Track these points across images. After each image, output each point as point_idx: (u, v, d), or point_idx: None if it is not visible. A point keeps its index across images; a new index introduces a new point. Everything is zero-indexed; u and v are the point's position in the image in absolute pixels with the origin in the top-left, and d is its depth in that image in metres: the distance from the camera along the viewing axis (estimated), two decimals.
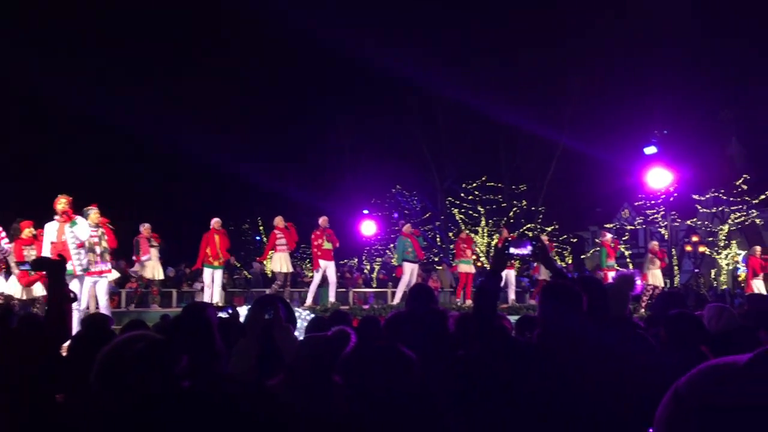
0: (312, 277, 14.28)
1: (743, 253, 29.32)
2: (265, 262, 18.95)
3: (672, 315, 3.76)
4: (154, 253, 12.73)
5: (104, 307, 9.30)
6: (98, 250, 9.20)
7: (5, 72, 24.07)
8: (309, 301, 12.73)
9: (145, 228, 12.64)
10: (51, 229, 8.65)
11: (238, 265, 24.12)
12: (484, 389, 2.86)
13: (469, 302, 13.83)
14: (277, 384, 2.90)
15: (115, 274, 9.77)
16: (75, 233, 8.62)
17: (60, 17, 29.64)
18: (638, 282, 4.08)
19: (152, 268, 12.64)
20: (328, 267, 12.77)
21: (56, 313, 3.26)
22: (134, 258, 12.89)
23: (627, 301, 3.97)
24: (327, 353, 2.87)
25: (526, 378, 2.79)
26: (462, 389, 2.95)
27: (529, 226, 30.18)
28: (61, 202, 8.64)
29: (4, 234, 8.97)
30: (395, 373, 2.63)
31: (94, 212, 9.38)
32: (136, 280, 13.07)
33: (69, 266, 7.75)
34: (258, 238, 34.44)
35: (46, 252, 8.42)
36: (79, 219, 8.74)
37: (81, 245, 8.67)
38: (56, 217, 8.66)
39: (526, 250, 3.32)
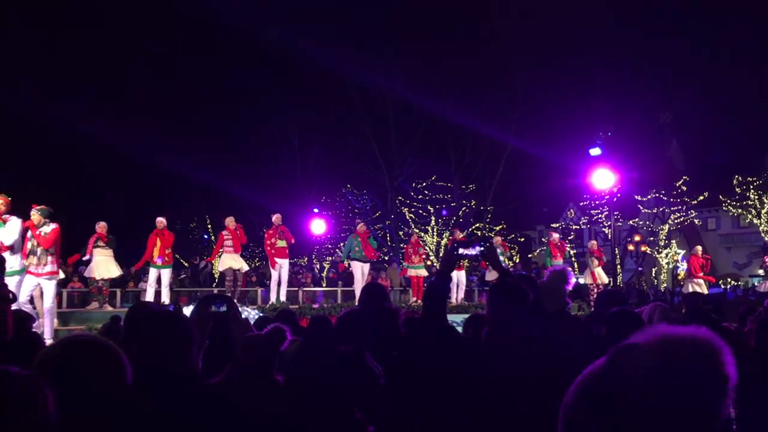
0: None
1: (683, 252, 30.35)
2: (213, 263, 18.62)
3: (613, 312, 3.86)
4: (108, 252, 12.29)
5: (48, 309, 9.04)
6: (38, 251, 8.91)
7: None
8: (273, 299, 12.63)
9: (100, 226, 12.19)
10: None
11: (186, 264, 23.72)
12: (433, 388, 2.89)
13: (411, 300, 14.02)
14: (218, 382, 2.88)
15: (55, 279, 9.33)
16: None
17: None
18: (572, 278, 4.15)
19: (101, 266, 12.18)
20: (282, 266, 12.68)
21: None
22: (86, 254, 12.42)
23: (563, 296, 4.03)
24: (263, 351, 2.87)
25: (476, 376, 2.82)
26: (410, 388, 2.97)
27: (477, 225, 30.54)
28: None
29: None
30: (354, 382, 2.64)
31: (32, 213, 9.07)
32: (80, 279, 12.58)
33: None
34: (206, 236, 33.94)
35: None
36: (11, 221, 8.35)
37: (5, 248, 8.31)
38: None
39: (475, 251, 3.38)
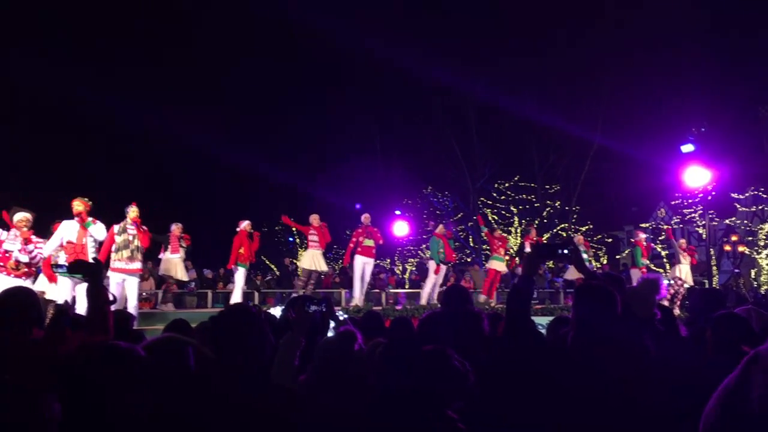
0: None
1: None
2: (296, 262, 19.10)
3: (720, 316, 3.65)
4: (181, 253, 12.88)
5: (133, 307, 9.28)
6: (131, 247, 9.24)
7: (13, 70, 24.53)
8: (357, 297, 12.78)
9: (177, 227, 12.81)
10: (70, 229, 8.61)
11: (272, 267, 24.34)
12: (518, 390, 2.85)
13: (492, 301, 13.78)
14: (302, 381, 2.96)
15: (137, 279, 9.68)
16: (93, 235, 8.65)
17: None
18: (664, 288, 4.04)
19: (177, 267, 12.76)
20: (367, 264, 12.84)
21: (98, 315, 3.33)
22: (161, 253, 13.09)
23: (653, 305, 3.92)
24: (335, 352, 2.91)
25: (560, 378, 2.77)
26: (496, 390, 2.94)
27: (562, 226, 29.88)
28: (77, 204, 8.65)
29: (41, 243, 8.86)
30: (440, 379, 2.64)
31: (133, 210, 9.47)
32: (172, 280, 13.21)
33: None
34: (291, 239, 34.72)
35: (49, 248, 8.47)
36: (97, 222, 8.74)
37: (97, 249, 8.72)
38: (76, 218, 8.65)
39: (559, 253, 3.32)
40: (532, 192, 30.24)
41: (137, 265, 9.38)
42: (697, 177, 17.45)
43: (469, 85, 28.66)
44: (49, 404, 2.29)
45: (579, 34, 27.89)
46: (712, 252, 23.93)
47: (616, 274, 5.20)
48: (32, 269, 8.61)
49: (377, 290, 17.64)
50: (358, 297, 12.69)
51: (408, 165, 31.86)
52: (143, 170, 32.66)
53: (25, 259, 8.39)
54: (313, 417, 2.49)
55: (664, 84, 27.51)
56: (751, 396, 1.09)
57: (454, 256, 13.39)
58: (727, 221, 30.84)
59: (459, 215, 31.29)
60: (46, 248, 8.55)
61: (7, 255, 8.38)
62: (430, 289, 13.34)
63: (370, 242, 12.72)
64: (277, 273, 24.33)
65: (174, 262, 12.73)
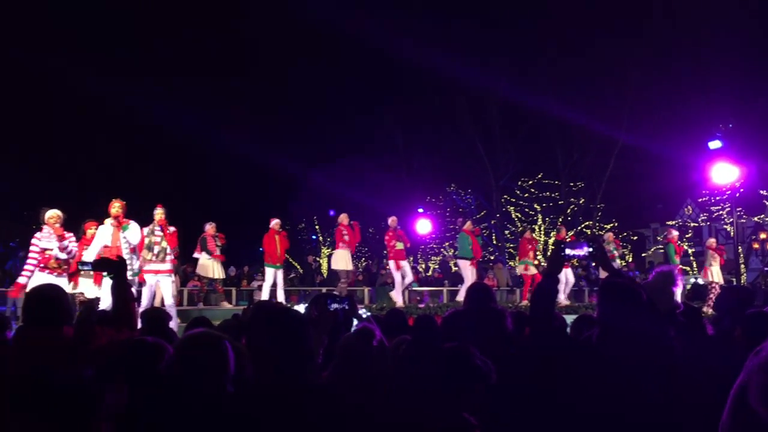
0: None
1: None
2: (321, 263, 19.19)
3: (750, 314, 3.60)
4: (218, 252, 13.00)
5: (170, 306, 9.34)
6: (156, 249, 9.31)
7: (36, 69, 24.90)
8: (399, 302, 12.81)
9: (210, 226, 12.89)
10: (106, 233, 8.63)
11: (296, 265, 24.45)
12: (542, 388, 2.85)
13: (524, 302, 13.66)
14: (325, 378, 2.99)
15: (172, 277, 9.73)
16: (127, 238, 8.66)
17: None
18: (680, 279, 3.95)
19: (214, 266, 12.89)
20: (402, 267, 12.93)
21: (123, 311, 3.39)
22: (196, 253, 13.22)
23: (672, 297, 3.87)
24: (354, 350, 2.93)
25: (586, 377, 2.76)
26: (520, 388, 2.94)
27: (587, 223, 29.61)
28: (115, 207, 8.67)
29: (73, 238, 8.99)
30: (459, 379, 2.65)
31: (159, 212, 9.55)
32: (199, 278, 13.37)
33: None
34: (314, 237, 34.83)
35: (92, 252, 8.47)
36: (131, 224, 8.74)
37: (133, 250, 8.76)
38: (110, 221, 8.66)
39: (583, 252, 3.27)
40: (556, 189, 29.99)
41: (167, 266, 9.43)
42: (724, 174, 17.15)
43: (492, 82, 28.49)
44: (102, 395, 2.33)
45: (603, 30, 27.57)
46: (740, 250, 23.52)
47: (629, 274, 5.15)
48: (69, 266, 8.74)
49: None
50: (400, 300, 12.79)
51: (431, 163, 31.80)
52: (154, 169, 32.98)
53: (64, 256, 8.51)
54: (334, 414, 2.51)
55: (691, 80, 27.11)
56: (750, 394, 1.09)
57: (480, 253, 13.36)
58: (755, 218, 30.38)
59: (482, 213, 31.16)
60: (86, 254, 8.58)
61: (47, 255, 8.49)
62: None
63: (401, 245, 12.84)
64: (301, 270, 24.47)
65: (211, 263, 12.84)
